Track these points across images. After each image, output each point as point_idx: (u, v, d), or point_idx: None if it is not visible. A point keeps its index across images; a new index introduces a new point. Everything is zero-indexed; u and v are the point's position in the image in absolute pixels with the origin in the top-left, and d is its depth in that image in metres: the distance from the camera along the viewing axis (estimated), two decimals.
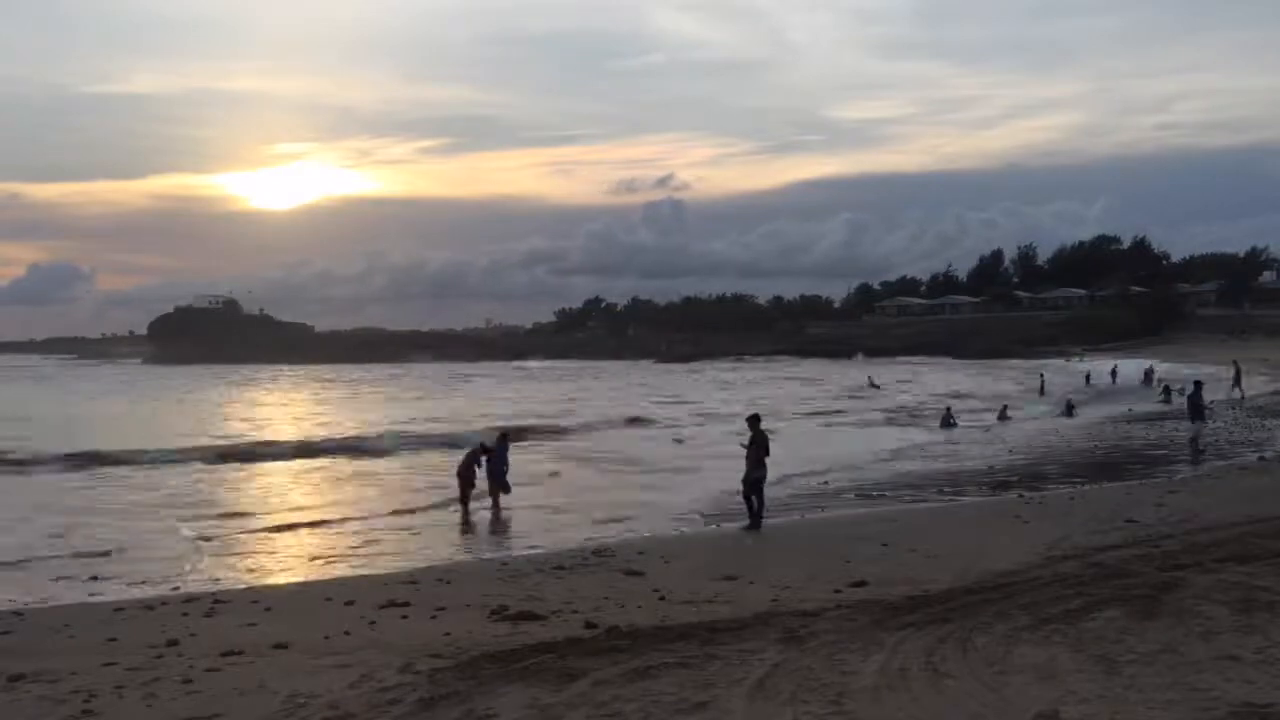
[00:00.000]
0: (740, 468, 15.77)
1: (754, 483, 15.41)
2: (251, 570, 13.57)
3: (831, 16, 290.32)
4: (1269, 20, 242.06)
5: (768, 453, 15.69)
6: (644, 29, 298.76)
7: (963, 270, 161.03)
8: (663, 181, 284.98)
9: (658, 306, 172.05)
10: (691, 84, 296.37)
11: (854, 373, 75.96)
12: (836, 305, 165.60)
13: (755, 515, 15.25)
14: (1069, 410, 37.95)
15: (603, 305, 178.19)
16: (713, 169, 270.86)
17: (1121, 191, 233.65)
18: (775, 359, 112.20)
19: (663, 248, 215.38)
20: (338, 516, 17.91)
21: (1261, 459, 21.95)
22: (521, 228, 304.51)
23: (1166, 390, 43.00)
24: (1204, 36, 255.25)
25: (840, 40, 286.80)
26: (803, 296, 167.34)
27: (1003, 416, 36.47)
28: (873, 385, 57.68)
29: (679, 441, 29.19)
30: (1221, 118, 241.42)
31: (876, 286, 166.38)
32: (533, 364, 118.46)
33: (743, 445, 15.91)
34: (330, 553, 14.67)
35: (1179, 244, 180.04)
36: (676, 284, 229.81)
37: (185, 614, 10.28)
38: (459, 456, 19.00)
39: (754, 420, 16.11)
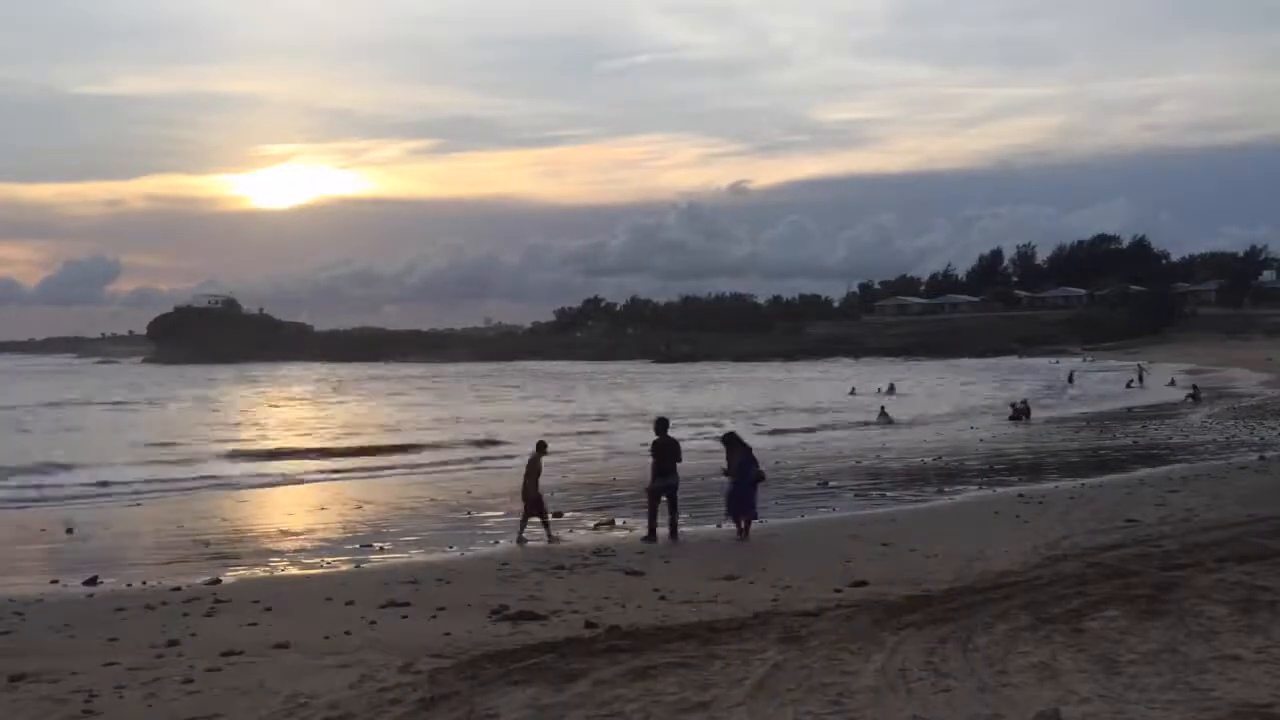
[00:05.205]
0: None
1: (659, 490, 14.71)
2: (252, 569, 13.57)
3: (816, 19, 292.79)
4: (1254, 21, 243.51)
5: (678, 459, 14.89)
6: (632, 32, 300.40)
7: (961, 269, 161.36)
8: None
9: (656, 306, 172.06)
10: (678, 86, 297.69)
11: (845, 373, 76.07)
12: (836, 305, 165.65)
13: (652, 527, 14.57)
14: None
15: (602, 305, 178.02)
16: (702, 169, 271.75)
17: (1113, 191, 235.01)
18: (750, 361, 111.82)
19: (659, 248, 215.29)
20: None
21: (1261, 459, 21.95)
22: (513, 228, 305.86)
23: (1195, 389, 43.50)
24: (1187, 37, 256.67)
25: (824, 42, 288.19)
26: (801, 296, 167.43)
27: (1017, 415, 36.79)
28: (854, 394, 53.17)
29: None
30: (1206, 118, 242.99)
31: (876, 286, 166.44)
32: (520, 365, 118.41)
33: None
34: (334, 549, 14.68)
35: (1173, 243, 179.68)
36: (675, 284, 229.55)
37: (186, 614, 10.28)
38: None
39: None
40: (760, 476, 14.99)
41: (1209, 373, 61.90)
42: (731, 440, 15.41)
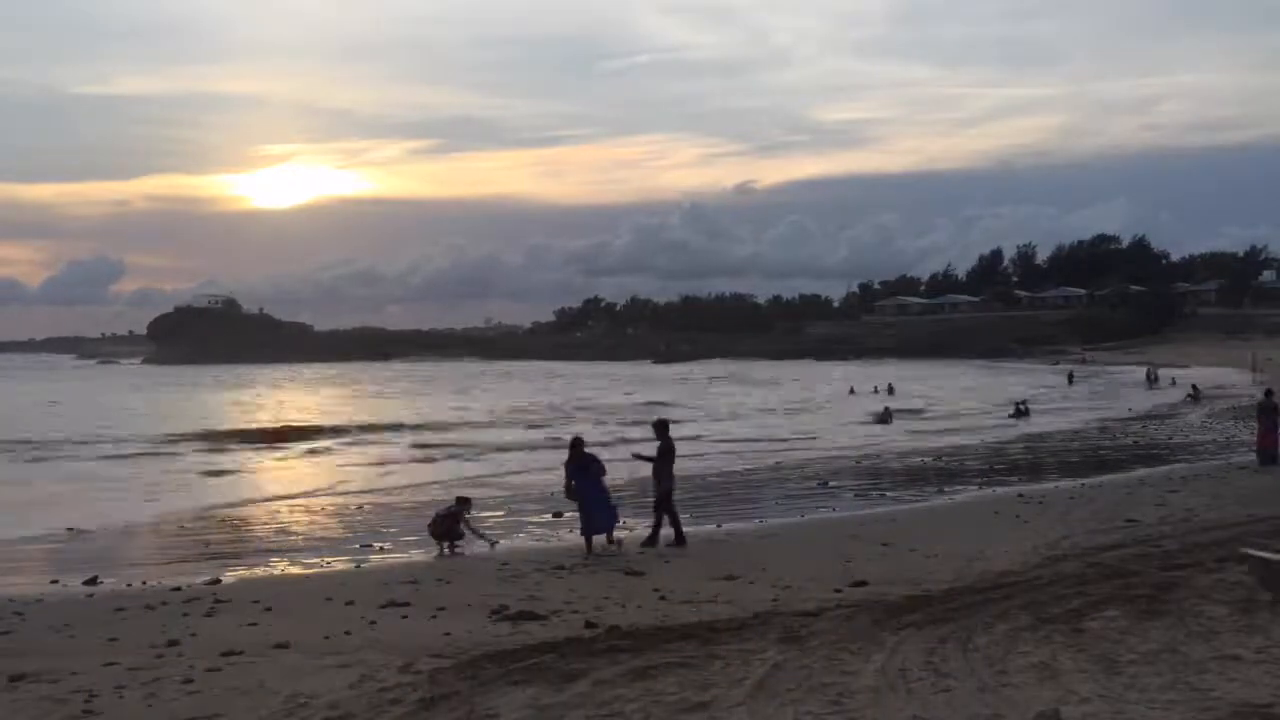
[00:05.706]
0: None
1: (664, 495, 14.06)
2: (252, 569, 13.58)
3: (816, 19, 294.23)
4: (1254, 21, 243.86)
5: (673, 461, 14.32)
6: (632, 32, 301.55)
7: (961, 269, 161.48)
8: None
9: (657, 306, 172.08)
10: (678, 86, 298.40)
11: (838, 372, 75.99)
12: (836, 305, 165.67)
13: (656, 529, 14.01)
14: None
15: (602, 305, 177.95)
16: (702, 169, 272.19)
17: (1113, 191, 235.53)
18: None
19: (660, 248, 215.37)
20: None
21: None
22: (514, 228, 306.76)
23: (1195, 389, 43.61)
24: (1187, 37, 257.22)
25: (824, 42, 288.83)
26: (801, 296, 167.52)
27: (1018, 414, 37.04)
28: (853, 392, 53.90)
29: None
30: (1206, 118, 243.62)
31: (876, 286, 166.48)
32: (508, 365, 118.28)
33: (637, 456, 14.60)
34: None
35: (1173, 243, 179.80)
36: (676, 284, 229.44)
37: (186, 614, 10.28)
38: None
39: (661, 427, 14.72)
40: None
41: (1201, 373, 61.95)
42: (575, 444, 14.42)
